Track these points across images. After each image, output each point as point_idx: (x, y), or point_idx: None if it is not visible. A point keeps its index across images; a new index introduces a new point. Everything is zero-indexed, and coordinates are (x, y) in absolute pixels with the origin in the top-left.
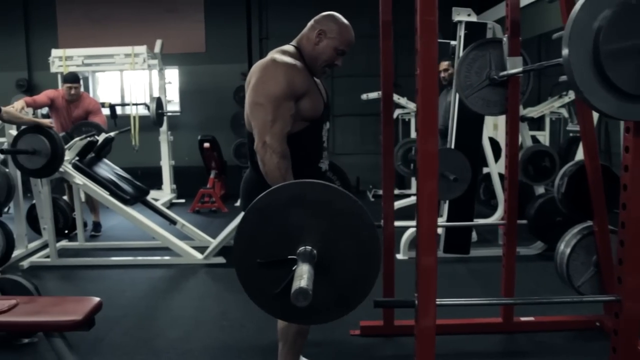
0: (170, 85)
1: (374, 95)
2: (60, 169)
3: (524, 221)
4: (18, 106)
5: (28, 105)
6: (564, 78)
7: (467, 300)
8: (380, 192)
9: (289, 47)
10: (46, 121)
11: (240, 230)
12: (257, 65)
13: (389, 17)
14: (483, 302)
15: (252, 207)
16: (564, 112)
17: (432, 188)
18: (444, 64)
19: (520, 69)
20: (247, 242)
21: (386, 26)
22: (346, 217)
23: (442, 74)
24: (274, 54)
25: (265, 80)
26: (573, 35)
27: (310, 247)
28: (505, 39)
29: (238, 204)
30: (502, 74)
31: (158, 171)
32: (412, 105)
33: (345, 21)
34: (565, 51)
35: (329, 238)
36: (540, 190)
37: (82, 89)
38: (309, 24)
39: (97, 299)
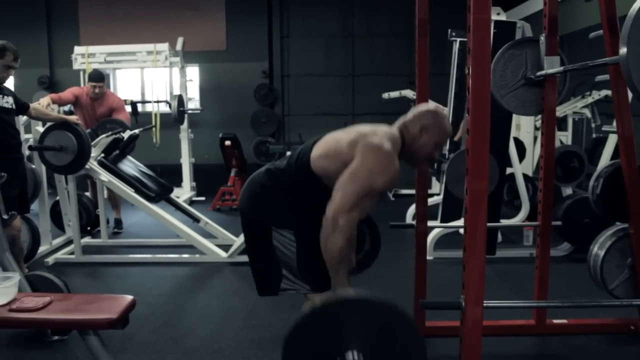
0: (190, 83)
1: (395, 94)
2: (87, 166)
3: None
4: (44, 102)
5: (54, 101)
6: (601, 77)
7: (512, 303)
8: (401, 191)
9: (396, 134)
10: (73, 118)
11: (299, 325)
12: (371, 143)
13: (425, 15)
14: (526, 304)
15: (316, 309)
16: (587, 113)
17: (481, 188)
18: None
19: (559, 69)
20: (301, 335)
21: (422, 24)
22: (399, 337)
23: None
24: (388, 141)
25: (372, 170)
26: (632, 34)
27: (357, 354)
28: (542, 38)
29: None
30: (539, 73)
31: (177, 169)
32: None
33: (444, 114)
34: (623, 50)
35: (378, 351)
36: (567, 191)
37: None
38: (410, 116)
39: (130, 297)
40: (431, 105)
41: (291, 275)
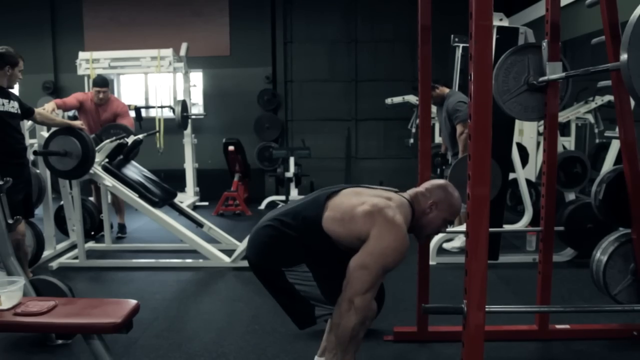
0: (194, 88)
1: (398, 99)
2: (91, 171)
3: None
4: (49, 108)
5: (58, 107)
6: (603, 83)
7: (514, 308)
8: None
9: (407, 207)
10: (77, 123)
11: None
12: (385, 219)
13: (428, 21)
14: (529, 309)
15: None
16: (590, 118)
17: (483, 194)
18: None
19: (561, 75)
20: None
21: (425, 31)
22: None
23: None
24: (401, 216)
25: (386, 253)
26: (633, 41)
27: None
28: (544, 44)
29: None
30: (541, 79)
31: (181, 174)
32: (435, 109)
33: (456, 192)
34: (624, 56)
35: None
36: (570, 196)
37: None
38: (422, 189)
39: (134, 302)
40: (442, 181)
41: (319, 302)
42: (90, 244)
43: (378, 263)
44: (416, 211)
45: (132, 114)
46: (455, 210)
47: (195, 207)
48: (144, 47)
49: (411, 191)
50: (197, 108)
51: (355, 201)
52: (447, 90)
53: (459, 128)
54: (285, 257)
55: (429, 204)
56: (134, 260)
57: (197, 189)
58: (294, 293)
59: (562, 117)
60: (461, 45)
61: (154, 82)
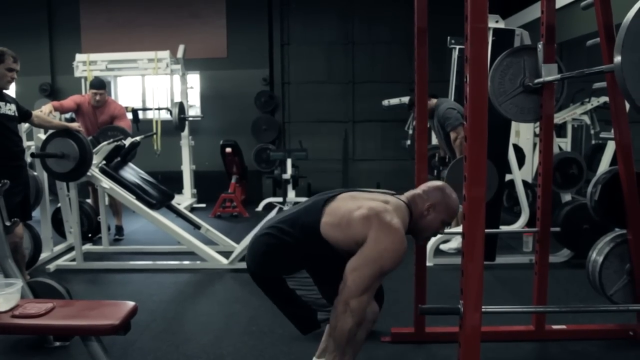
0: (191, 90)
1: (395, 101)
2: (88, 173)
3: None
4: (46, 110)
5: (55, 109)
6: (599, 85)
7: (510, 308)
8: None
9: (405, 210)
10: (75, 125)
11: None
12: (383, 222)
13: (424, 23)
14: (525, 309)
15: None
16: (586, 119)
17: (479, 195)
18: None
19: (557, 76)
20: None
21: (421, 33)
22: None
23: None
24: (398, 219)
25: (383, 255)
26: (626, 43)
27: None
28: (540, 46)
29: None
30: (537, 81)
31: (178, 175)
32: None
33: (454, 194)
34: (617, 58)
35: None
36: (567, 197)
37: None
38: (419, 191)
39: (132, 303)
40: (440, 182)
41: (321, 306)
42: (88, 246)
43: (374, 265)
44: (414, 213)
45: (130, 116)
46: (453, 212)
47: (192, 209)
48: (141, 49)
49: (408, 193)
50: (194, 110)
51: (352, 205)
52: (434, 101)
53: (452, 135)
54: (285, 264)
55: (427, 206)
56: (132, 262)
57: (195, 190)
58: (295, 299)
59: (558, 118)
60: (457, 47)
61: (151, 84)
